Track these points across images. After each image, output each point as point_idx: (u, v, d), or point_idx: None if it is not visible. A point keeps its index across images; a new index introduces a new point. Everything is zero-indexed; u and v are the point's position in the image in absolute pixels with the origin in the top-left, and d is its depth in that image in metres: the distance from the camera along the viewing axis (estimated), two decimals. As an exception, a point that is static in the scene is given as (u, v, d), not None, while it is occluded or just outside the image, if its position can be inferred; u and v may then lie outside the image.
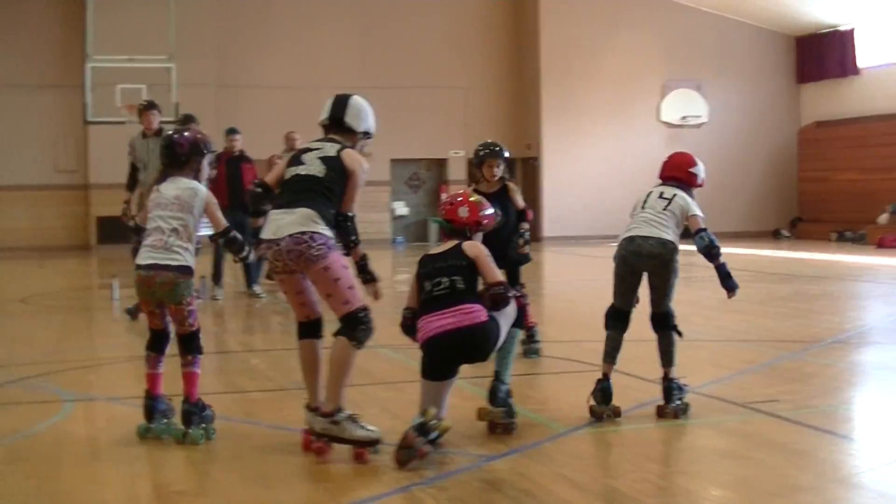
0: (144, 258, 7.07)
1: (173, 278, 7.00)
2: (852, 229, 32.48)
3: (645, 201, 8.08)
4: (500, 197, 9.74)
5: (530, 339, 10.27)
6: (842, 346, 11.27)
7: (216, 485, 6.21)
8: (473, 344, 6.71)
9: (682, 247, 7.79)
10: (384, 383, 8.90)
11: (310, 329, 6.96)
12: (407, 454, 6.28)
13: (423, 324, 6.77)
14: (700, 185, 8.21)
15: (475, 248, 6.96)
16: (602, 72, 33.74)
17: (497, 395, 7.10)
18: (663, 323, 7.86)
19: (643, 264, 7.82)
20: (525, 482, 5.99)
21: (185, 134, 7.45)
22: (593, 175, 33.41)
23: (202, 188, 7.24)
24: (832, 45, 35.16)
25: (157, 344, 7.32)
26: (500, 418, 7.10)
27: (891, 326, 12.41)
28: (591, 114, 33.56)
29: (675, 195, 7.96)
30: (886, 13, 32.80)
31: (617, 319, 7.96)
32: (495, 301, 6.82)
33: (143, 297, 7.23)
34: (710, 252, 7.69)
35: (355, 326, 6.64)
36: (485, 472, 6.21)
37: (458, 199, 7.24)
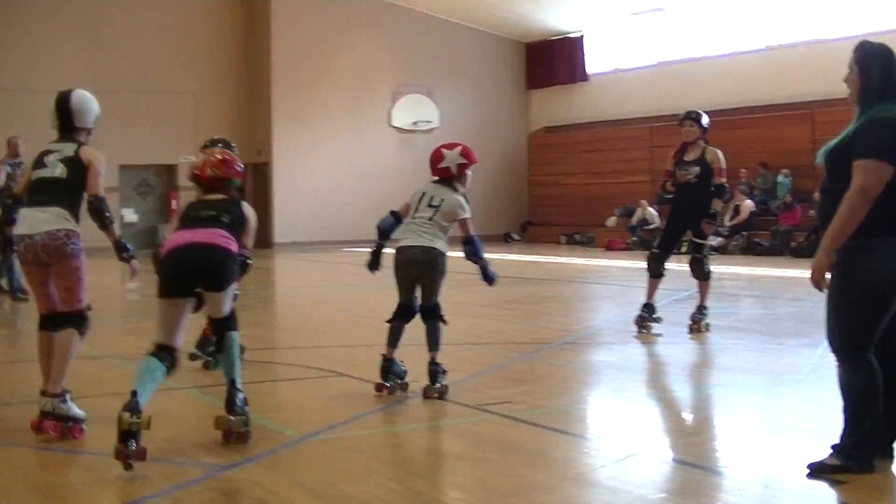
0: None
1: None
2: (581, 232, 33.32)
3: (417, 205, 8.69)
4: None
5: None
6: (573, 346, 11.41)
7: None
8: (213, 262, 6.82)
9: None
10: (116, 394, 8.56)
11: (50, 321, 7.37)
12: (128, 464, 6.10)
13: (172, 238, 6.86)
14: (462, 171, 8.76)
15: (252, 211, 7.37)
16: (334, 77, 33.70)
17: (235, 403, 6.93)
18: (431, 313, 8.53)
19: (412, 269, 8.55)
20: (260, 491, 5.82)
21: None
22: (325, 180, 33.34)
23: None
24: (562, 51, 36.05)
25: None
26: (240, 427, 6.92)
27: (620, 327, 12.64)
28: (322, 119, 33.47)
29: (441, 201, 8.61)
30: (613, 20, 33.77)
31: (403, 313, 8.67)
32: (242, 264, 7.27)
33: None
34: (476, 260, 8.64)
35: (83, 322, 7.29)
36: (219, 482, 6.01)
37: (227, 155, 7.50)
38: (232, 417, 6.89)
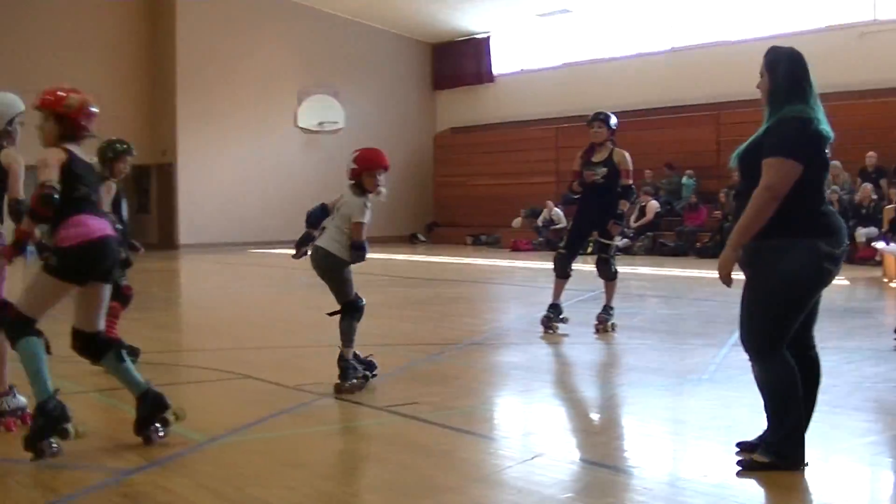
0: None
1: None
2: (487, 233, 33.39)
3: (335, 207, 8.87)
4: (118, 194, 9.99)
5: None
6: (479, 347, 11.41)
7: None
8: (115, 255, 6.79)
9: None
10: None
11: None
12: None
13: (88, 222, 6.61)
14: (355, 176, 8.73)
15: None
16: (239, 78, 33.49)
17: (166, 402, 6.90)
18: (343, 311, 8.72)
19: (316, 269, 8.79)
20: (166, 495, 5.72)
21: None
22: (231, 181, 33.15)
23: None
24: (468, 52, 36.14)
25: None
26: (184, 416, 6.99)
27: (526, 327, 12.67)
28: (228, 120, 33.26)
29: (343, 204, 8.73)
30: (520, 22, 33.88)
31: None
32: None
33: None
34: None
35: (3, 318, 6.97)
36: (124, 487, 5.89)
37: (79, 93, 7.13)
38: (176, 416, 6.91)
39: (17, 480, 6.01)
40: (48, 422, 6.22)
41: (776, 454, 5.90)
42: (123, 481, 6.00)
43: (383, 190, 8.80)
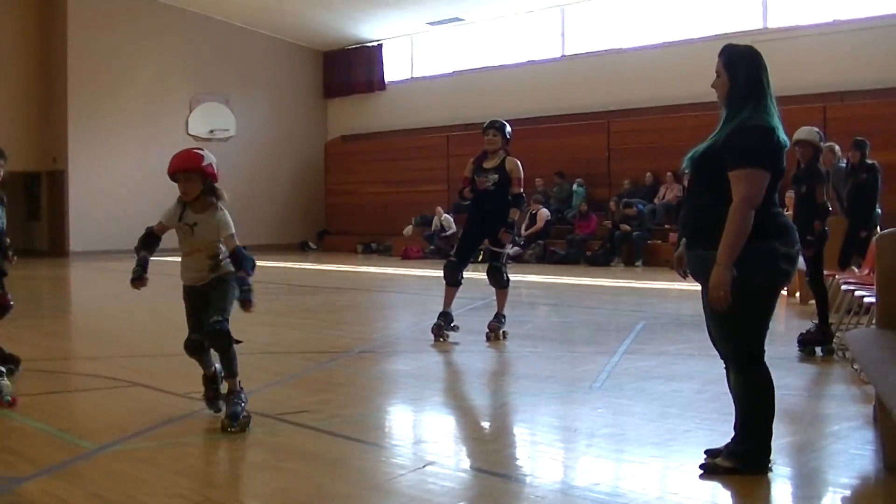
0: None
1: None
2: (378, 241, 33.39)
3: None
4: None
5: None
6: (370, 355, 11.35)
7: None
8: None
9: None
10: None
11: None
12: None
13: None
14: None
15: None
16: (131, 84, 33.16)
17: None
18: None
19: None
20: (56, 503, 5.68)
21: None
22: (122, 188, 32.78)
23: None
24: (359, 60, 36.13)
25: None
26: None
27: (416, 335, 12.66)
28: (119, 127, 32.92)
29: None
30: (411, 30, 33.97)
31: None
32: None
33: None
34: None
35: None
36: (14, 496, 5.78)
37: None
38: None
39: None
40: None
41: (743, 461, 5.93)
42: (13, 490, 5.91)
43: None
